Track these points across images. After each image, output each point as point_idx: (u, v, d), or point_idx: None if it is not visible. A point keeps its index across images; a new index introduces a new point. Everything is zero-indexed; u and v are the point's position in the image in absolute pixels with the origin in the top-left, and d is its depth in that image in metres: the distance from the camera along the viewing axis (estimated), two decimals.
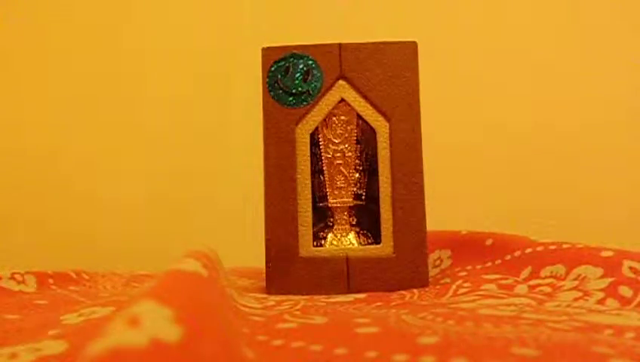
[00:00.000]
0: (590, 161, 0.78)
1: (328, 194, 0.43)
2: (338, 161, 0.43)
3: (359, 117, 0.42)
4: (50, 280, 0.49)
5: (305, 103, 0.42)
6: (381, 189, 0.41)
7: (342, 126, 0.42)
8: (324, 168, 0.43)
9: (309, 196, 0.41)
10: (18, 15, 0.87)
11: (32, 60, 0.86)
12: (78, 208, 0.82)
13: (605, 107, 0.79)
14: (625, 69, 0.80)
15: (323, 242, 0.42)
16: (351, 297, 0.36)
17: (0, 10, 0.87)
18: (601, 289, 0.31)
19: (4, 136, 0.85)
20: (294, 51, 0.42)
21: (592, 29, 0.81)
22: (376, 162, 0.41)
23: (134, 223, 0.81)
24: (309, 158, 0.41)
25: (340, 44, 0.42)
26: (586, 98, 0.79)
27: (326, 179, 0.43)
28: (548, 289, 0.33)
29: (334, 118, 0.42)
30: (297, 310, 0.29)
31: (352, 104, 0.42)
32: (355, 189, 0.43)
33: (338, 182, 0.43)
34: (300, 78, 0.42)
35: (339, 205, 0.43)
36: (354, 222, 0.43)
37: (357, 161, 0.43)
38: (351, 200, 0.43)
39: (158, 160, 0.83)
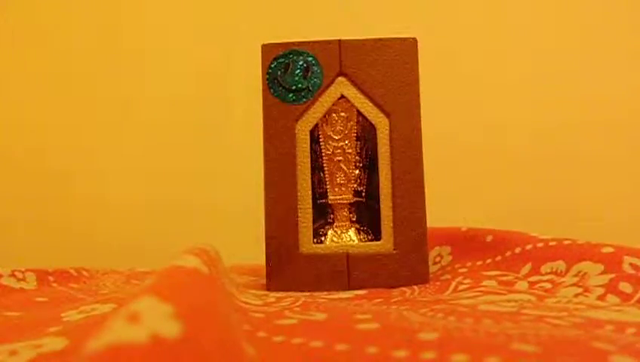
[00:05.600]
0: (590, 161, 0.78)
1: (328, 190, 0.43)
2: (338, 158, 0.43)
3: (359, 113, 0.42)
4: (51, 278, 0.49)
5: (305, 100, 0.42)
6: (381, 186, 0.41)
7: (342, 122, 0.42)
8: (324, 165, 0.43)
9: (309, 193, 0.41)
10: (18, 15, 0.86)
11: (32, 60, 0.86)
12: (78, 207, 0.82)
13: (605, 107, 0.79)
14: (625, 68, 0.80)
15: (323, 239, 0.42)
16: (351, 294, 0.36)
17: (0, 10, 0.86)
18: (602, 286, 0.31)
19: (4, 136, 0.85)
20: (294, 48, 0.42)
21: (593, 28, 0.81)
22: (376, 158, 0.41)
23: (134, 221, 0.81)
24: (309, 155, 0.41)
25: (339, 41, 0.42)
26: (585, 98, 0.79)
27: (326, 175, 0.43)
28: (548, 286, 0.33)
29: (334, 115, 0.42)
30: (298, 306, 0.29)
31: (352, 100, 0.42)
32: (355, 186, 0.43)
33: (338, 179, 0.43)
34: (299, 75, 0.41)
35: (339, 202, 0.43)
36: (354, 219, 0.43)
37: (357, 158, 0.43)
38: (351, 196, 0.43)
39: (158, 158, 0.83)
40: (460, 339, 0.19)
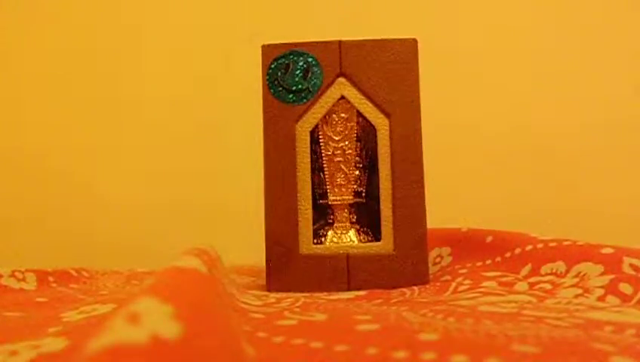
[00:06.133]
0: (590, 161, 0.78)
1: (328, 191, 0.43)
2: (338, 159, 0.43)
3: (359, 114, 0.42)
4: (51, 278, 0.49)
5: (305, 101, 0.42)
6: (381, 186, 0.41)
7: (342, 123, 0.42)
8: (325, 166, 0.43)
9: (309, 193, 0.41)
10: (18, 14, 0.86)
11: (32, 60, 0.86)
12: (78, 207, 0.82)
13: (605, 107, 0.79)
14: (625, 68, 0.80)
15: (323, 240, 0.42)
16: (351, 294, 0.36)
17: (0, 10, 0.86)
18: (602, 286, 0.31)
19: (3, 135, 0.85)
20: (294, 48, 0.42)
21: (593, 28, 0.81)
22: (376, 159, 0.41)
23: (134, 222, 0.81)
24: (309, 156, 0.41)
25: (340, 41, 0.42)
26: (585, 98, 0.79)
27: (326, 176, 0.43)
28: (548, 287, 0.33)
29: (334, 116, 0.42)
30: (297, 307, 0.29)
31: (352, 101, 0.42)
32: (355, 187, 0.43)
33: (338, 180, 0.43)
34: (300, 76, 0.41)
35: (339, 202, 0.43)
36: (354, 220, 0.43)
37: (357, 159, 0.43)
38: (351, 197, 0.43)
39: (158, 158, 0.83)
40: (460, 340, 0.19)
